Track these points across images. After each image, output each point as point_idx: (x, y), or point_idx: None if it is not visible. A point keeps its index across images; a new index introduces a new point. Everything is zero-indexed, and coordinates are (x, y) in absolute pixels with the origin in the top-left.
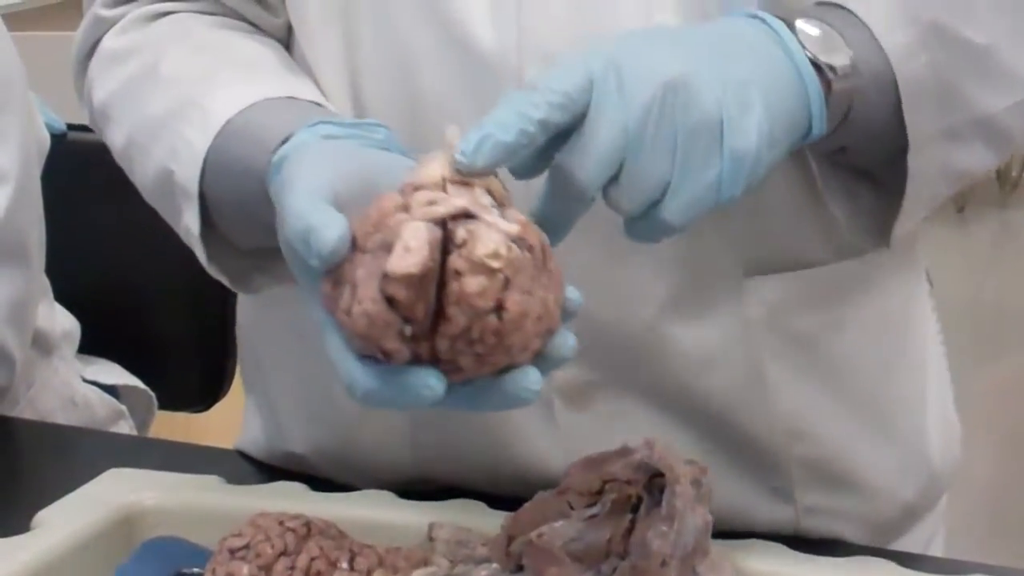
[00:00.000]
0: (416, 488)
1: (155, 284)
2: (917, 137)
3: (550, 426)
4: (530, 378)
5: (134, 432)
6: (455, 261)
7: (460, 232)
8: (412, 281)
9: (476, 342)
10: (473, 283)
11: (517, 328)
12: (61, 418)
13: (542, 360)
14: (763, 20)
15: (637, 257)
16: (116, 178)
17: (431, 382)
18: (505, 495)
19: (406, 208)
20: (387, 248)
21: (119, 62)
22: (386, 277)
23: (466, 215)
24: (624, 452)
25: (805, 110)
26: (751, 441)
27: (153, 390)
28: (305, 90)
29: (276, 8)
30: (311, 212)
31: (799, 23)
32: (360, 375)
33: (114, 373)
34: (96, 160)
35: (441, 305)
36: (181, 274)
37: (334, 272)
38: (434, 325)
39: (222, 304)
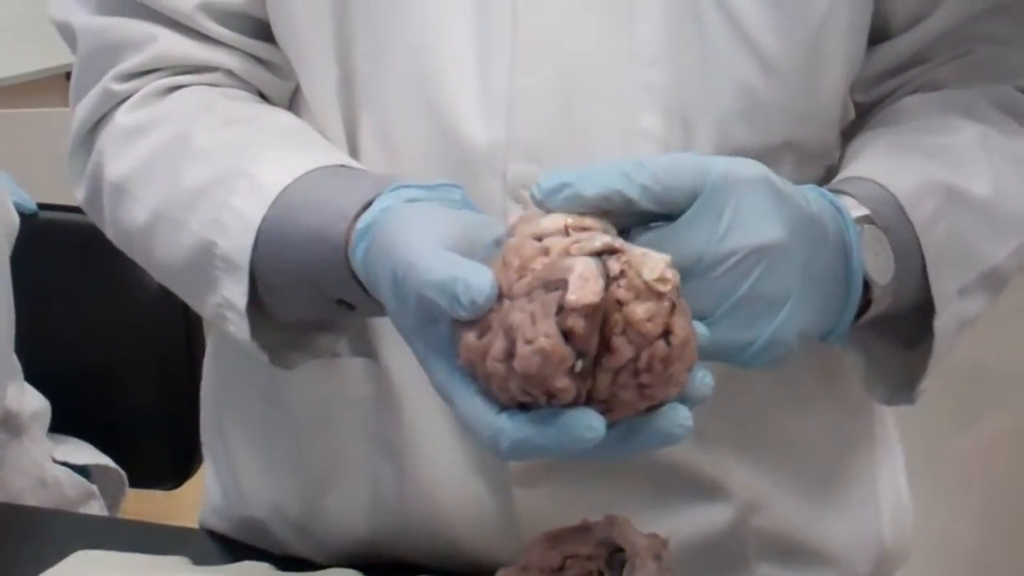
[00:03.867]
0: (376, 562)
1: (125, 363)
2: (941, 300)
3: (507, 504)
4: (682, 414)
5: (105, 511)
6: (617, 292)
7: (613, 265)
8: (591, 311)
9: (642, 371)
10: (641, 309)
11: (681, 355)
12: (31, 499)
13: (685, 398)
14: (842, 215)
15: None
16: (86, 257)
17: (593, 422)
18: (466, 572)
19: (546, 252)
20: (547, 287)
21: (139, 136)
22: (563, 311)
23: (611, 250)
24: (584, 528)
25: (836, 319)
26: (706, 512)
27: (124, 468)
28: (348, 159)
29: (286, 71)
30: (450, 264)
31: (867, 233)
32: (508, 425)
33: (85, 453)
34: (66, 239)
35: (605, 338)
36: (151, 353)
37: (478, 323)
38: (596, 361)
39: (192, 382)
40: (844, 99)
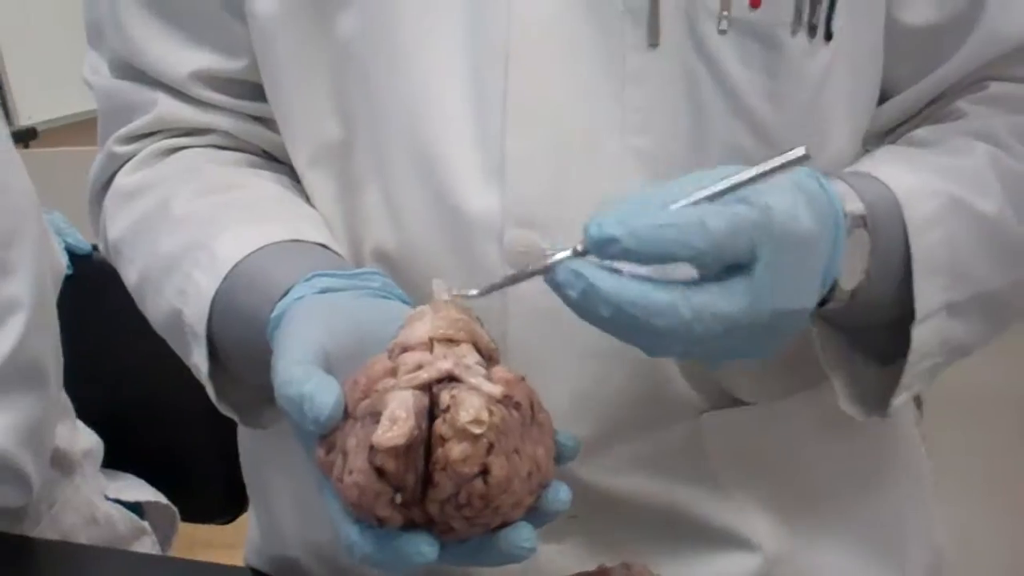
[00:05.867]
0: None
1: (177, 398)
2: (923, 307)
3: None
4: (523, 535)
5: (157, 548)
6: (440, 427)
7: (444, 397)
8: (399, 452)
9: (464, 506)
10: (457, 450)
11: (504, 491)
12: (83, 536)
13: (535, 514)
14: (837, 221)
15: (602, 409)
16: None
17: (423, 548)
18: None
19: (394, 372)
20: (375, 416)
21: (131, 200)
22: (373, 449)
23: (451, 378)
24: (601, 573)
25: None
26: (731, 562)
27: (177, 503)
28: (312, 230)
29: None
30: (304, 378)
31: (853, 236)
32: (357, 539)
33: (137, 489)
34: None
35: (429, 470)
36: (202, 389)
37: (327, 438)
38: (424, 489)
39: None
40: (852, 156)
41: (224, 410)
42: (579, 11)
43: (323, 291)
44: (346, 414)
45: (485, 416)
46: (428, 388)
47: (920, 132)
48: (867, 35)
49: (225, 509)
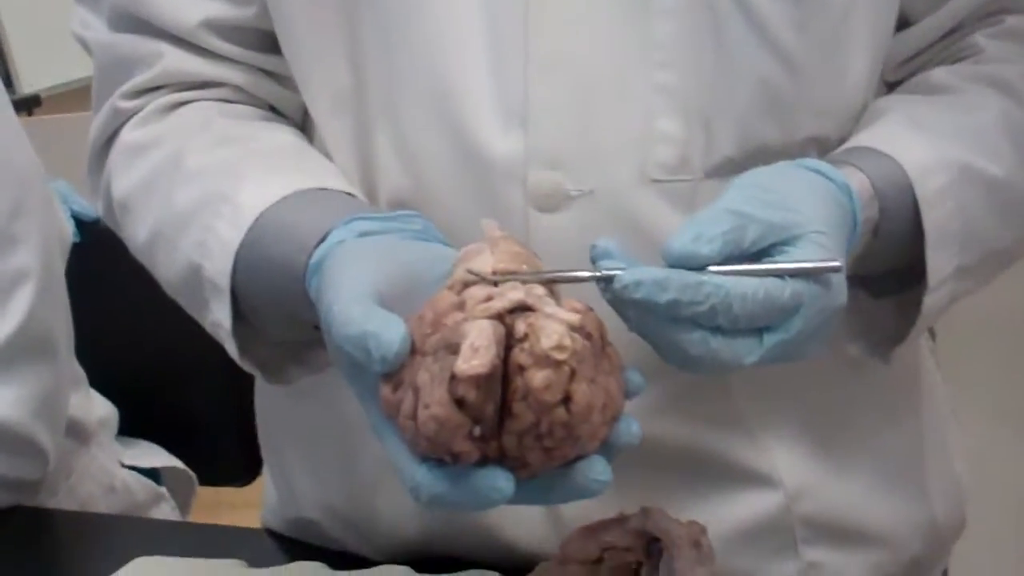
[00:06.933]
0: (428, 557)
1: (191, 363)
2: (935, 278)
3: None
4: (597, 468)
5: (176, 512)
6: (519, 356)
7: (520, 326)
8: (481, 381)
9: (545, 436)
10: (539, 377)
11: (585, 420)
12: (102, 504)
13: (607, 448)
14: (854, 220)
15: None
16: None
17: (500, 483)
18: (513, 565)
19: (461, 306)
20: (450, 349)
21: (140, 154)
22: (455, 379)
23: (523, 308)
24: (620, 520)
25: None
26: (751, 500)
27: (194, 467)
28: (334, 180)
29: (296, 84)
30: (366, 317)
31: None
32: (426, 479)
33: (153, 455)
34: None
35: (507, 401)
36: (216, 351)
37: (393, 376)
38: (500, 422)
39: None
40: (871, 89)
41: (247, 367)
42: None
43: (363, 235)
44: (413, 350)
45: (568, 342)
46: (501, 319)
47: (937, 74)
48: None
49: (242, 472)
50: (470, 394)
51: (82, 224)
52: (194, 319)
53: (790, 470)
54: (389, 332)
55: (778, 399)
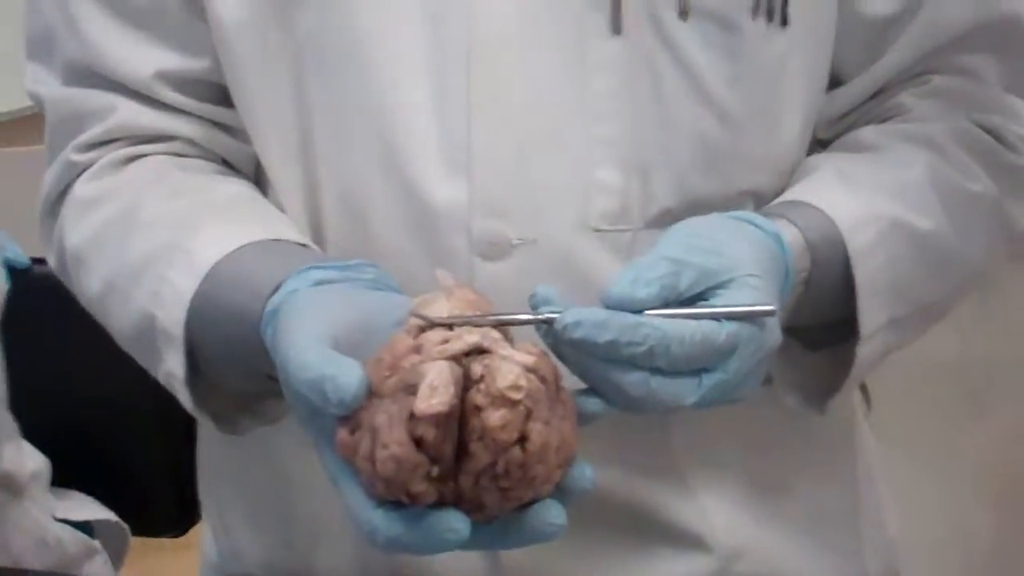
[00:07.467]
0: None
1: (124, 413)
2: (867, 329)
3: (492, 554)
4: (552, 512)
5: (108, 566)
6: (475, 397)
7: (476, 368)
8: (440, 420)
9: (501, 476)
10: (495, 416)
11: (540, 460)
12: (33, 560)
13: (562, 493)
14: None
15: None
16: (81, 311)
17: (456, 524)
18: None
19: (418, 349)
20: (408, 390)
21: (93, 208)
22: (414, 418)
23: (479, 351)
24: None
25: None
26: (687, 561)
27: (128, 518)
28: (288, 231)
29: (248, 136)
30: (323, 362)
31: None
32: (382, 522)
33: (87, 508)
34: (61, 293)
35: (464, 442)
36: (150, 402)
37: (351, 420)
38: (457, 463)
39: (192, 430)
40: (804, 145)
41: (200, 418)
42: (540, 1)
43: (318, 283)
44: (369, 394)
45: (524, 382)
46: (458, 361)
47: (866, 133)
48: (821, 22)
49: (175, 523)
50: (429, 433)
51: (14, 272)
52: (126, 369)
53: (727, 530)
54: (346, 375)
55: (717, 453)
